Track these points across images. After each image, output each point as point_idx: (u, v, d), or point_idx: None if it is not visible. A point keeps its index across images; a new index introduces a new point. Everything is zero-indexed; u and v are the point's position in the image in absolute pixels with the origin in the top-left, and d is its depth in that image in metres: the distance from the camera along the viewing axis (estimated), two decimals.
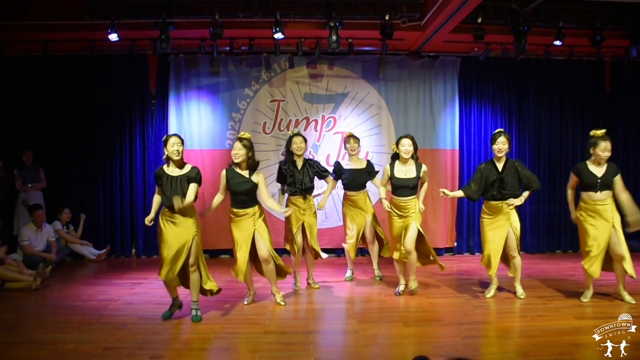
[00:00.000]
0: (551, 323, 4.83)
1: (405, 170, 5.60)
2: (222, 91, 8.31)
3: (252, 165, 5.23)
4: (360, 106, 8.40)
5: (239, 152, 5.17)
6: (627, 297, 5.39)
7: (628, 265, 5.29)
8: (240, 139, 5.24)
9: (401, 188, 5.57)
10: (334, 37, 7.08)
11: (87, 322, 4.88)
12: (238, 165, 5.22)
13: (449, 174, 8.43)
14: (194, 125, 8.24)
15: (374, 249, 6.54)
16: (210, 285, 5.05)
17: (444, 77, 8.48)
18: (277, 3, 7.07)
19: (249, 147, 5.22)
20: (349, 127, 8.34)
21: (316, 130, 8.36)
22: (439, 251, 8.46)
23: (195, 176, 4.90)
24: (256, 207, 5.28)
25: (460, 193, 5.77)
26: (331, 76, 8.38)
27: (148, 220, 4.95)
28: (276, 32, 7.05)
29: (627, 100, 8.91)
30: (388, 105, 8.43)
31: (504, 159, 5.52)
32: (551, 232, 8.65)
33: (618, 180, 5.33)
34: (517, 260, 5.58)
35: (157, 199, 5.03)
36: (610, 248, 5.27)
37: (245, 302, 5.46)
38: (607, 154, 5.26)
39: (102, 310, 5.28)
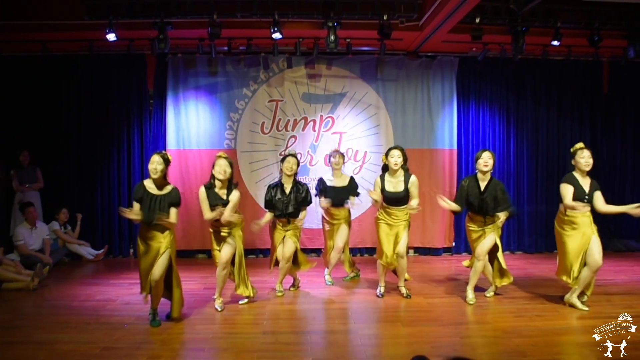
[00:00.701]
0: (549, 323, 4.84)
1: (394, 183, 5.56)
2: (220, 91, 8.30)
3: (231, 184, 5.19)
4: (359, 106, 8.41)
5: (226, 170, 5.10)
6: (580, 305, 5.24)
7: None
8: (225, 157, 5.17)
9: (391, 200, 5.57)
10: (332, 37, 7.09)
11: (85, 322, 4.87)
12: (219, 182, 5.16)
13: (447, 174, 8.44)
14: (192, 125, 8.24)
15: (334, 257, 6.37)
16: (176, 311, 4.94)
17: (442, 77, 8.49)
18: (276, 3, 7.06)
19: (232, 165, 5.19)
20: (347, 127, 8.36)
21: (314, 130, 8.36)
22: (437, 251, 8.48)
23: (177, 201, 4.86)
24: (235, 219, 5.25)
25: (456, 207, 5.53)
26: (329, 76, 8.39)
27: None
28: (274, 32, 7.06)
29: (624, 101, 8.94)
30: (386, 105, 8.44)
31: (488, 176, 5.45)
32: (549, 232, 8.56)
33: (599, 195, 5.24)
34: (480, 265, 5.54)
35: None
36: (588, 255, 5.14)
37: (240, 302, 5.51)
38: (590, 160, 5.19)
39: (100, 311, 5.27)
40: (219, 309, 5.28)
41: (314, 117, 8.37)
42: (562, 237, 5.28)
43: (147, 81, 8.36)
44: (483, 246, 5.46)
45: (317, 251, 8.24)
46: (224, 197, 5.14)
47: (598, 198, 5.21)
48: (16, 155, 7.76)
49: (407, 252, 5.78)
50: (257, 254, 8.37)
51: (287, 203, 5.74)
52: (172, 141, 8.18)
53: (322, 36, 7.44)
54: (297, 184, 5.87)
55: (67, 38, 7.55)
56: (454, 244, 8.60)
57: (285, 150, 8.16)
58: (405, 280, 5.91)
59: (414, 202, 5.53)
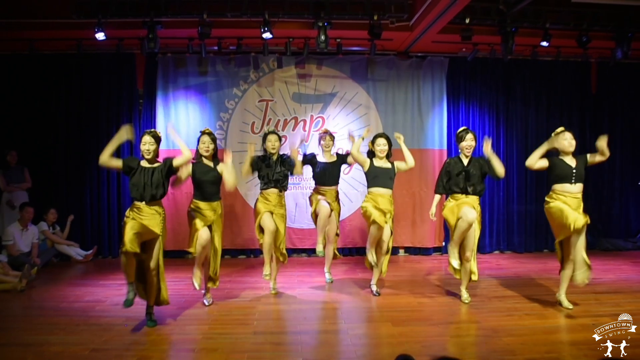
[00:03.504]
0: (538, 322, 4.87)
1: (382, 163, 5.74)
2: (210, 91, 8.28)
3: (215, 157, 5.40)
4: (349, 106, 8.41)
5: (209, 147, 5.33)
6: (566, 303, 5.27)
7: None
8: (209, 133, 5.38)
9: (380, 177, 5.64)
10: (323, 37, 7.09)
11: (74, 324, 4.83)
12: (205, 158, 5.36)
13: (436, 174, 8.34)
14: (181, 125, 8.20)
15: (330, 250, 6.43)
16: (164, 295, 4.88)
17: (432, 77, 8.52)
18: (266, 3, 7.06)
19: (215, 141, 5.41)
20: (337, 127, 8.35)
21: (305, 130, 8.35)
22: (427, 251, 8.51)
23: (171, 168, 4.91)
24: (219, 203, 5.33)
25: (437, 198, 5.65)
26: (320, 76, 8.39)
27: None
28: (265, 31, 7.05)
29: (612, 101, 9.03)
30: (376, 105, 8.45)
31: (469, 157, 5.54)
32: (538, 231, 8.72)
33: (590, 155, 5.27)
34: (469, 265, 5.50)
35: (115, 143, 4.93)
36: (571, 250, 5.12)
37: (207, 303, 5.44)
38: (572, 142, 5.23)
39: (89, 312, 5.23)
40: (208, 303, 5.38)
41: (304, 117, 8.37)
42: (550, 208, 5.20)
43: (136, 81, 8.31)
44: (469, 243, 5.43)
45: (308, 251, 8.25)
46: (212, 165, 5.34)
47: (592, 156, 5.26)
48: (4, 155, 7.68)
49: (389, 250, 5.79)
50: (248, 254, 8.35)
51: (275, 172, 5.78)
52: (162, 141, 8.10)
53: (312, 36, 7.44)
54: (281, 156, 5.94)
55: (55, 37, 7.47)
56: (444, 243, 8.62)
57: None
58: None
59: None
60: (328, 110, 8.41)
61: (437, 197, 5.67)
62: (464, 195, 5.46)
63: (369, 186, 5.75)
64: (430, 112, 8.52)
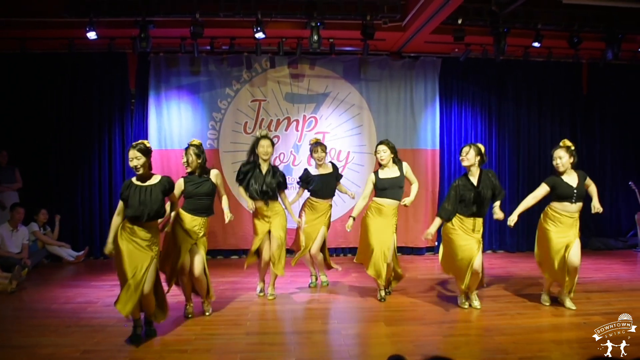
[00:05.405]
0: (530, 321, 4.89)
1: (389, 172, 5.48)
2: (203, 91, 8.26)
3: (205, 169, 5.02)
4: (342, 106, 8.42)
5: (194, 162, 4.93)
6: (568, 303, 5.23)
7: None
8: (193, 146, 4.95)
9: (388, 189, 5.42)
10: (315, 37, 7.09)
11: (65, 325, 4.80)
12: (193, 172, 4.99)
13: (429, 174, 8.49)
14: (174, 125, 8.17)
15: (318, 258, 6.14)
16: (159, 317, 4.56)
17: (424, 77, 8.54)
18: (259, 2, 7.04)
19: (199, 153, 4.95)
20: (330, 127, 8.36)
21: (297, 130, 8.35)
22: (420, 250, 8.53)
23: (171, 188, 4.50)
24: (207, 220, 5.01)
25: (438, 222, 5.19)
26: (312, 76, 8.39)
27: (108, 251, 4.35)
28: (257, 31, 7.03)
29: (603, 102, 9.10)
30: (369, 106, 8.46)
31: (477, 171, 5.15)
32: (530, 231, 8.70)
33: (588, 180, 5.19)
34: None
35: (116, 222, 4.40)
36: (567, 258, 5.03)
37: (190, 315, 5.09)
38: (560, 160, 5.05)
39: (80, 313, 5.20)
40: (208, 313, 5.14)
41: (297, 117, 8.36)
42: (545, 232, 5.20)
43: (128, 80, 8.27)
44: (478, 260, 5.10)
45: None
46: (205, 177, 5.00)
47: (587, 181, 5.18)
48: None
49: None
50: (240, 254, 8.32)
51: (262, 183, 5.42)
52: (154, 141, 8.10)
53: (305, 36, 7.43)
54: (273, 167, 5.57)
55: (47, 36, 7.43)
56: (436, 243, 8.64)
57: None
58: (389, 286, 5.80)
59: (408, 199, 5.50)
60: (321, 110, 8.40)
61: (439, 220, 5.20)
62: (472, 219, 5.16)
63: (376, 195, 5.51)
64: (422, 112, 8.54)
